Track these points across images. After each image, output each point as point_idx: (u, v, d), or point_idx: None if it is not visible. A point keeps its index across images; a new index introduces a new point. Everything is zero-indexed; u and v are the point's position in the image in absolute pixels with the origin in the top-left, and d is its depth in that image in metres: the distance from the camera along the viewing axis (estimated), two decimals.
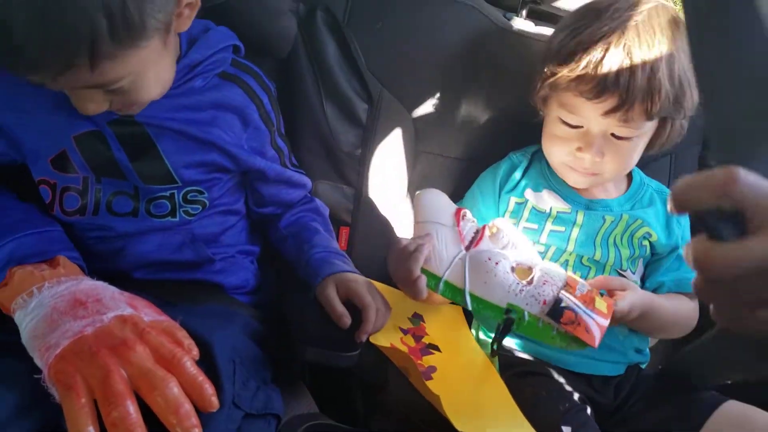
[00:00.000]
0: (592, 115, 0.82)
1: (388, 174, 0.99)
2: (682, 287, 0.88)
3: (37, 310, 0.54)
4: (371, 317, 0.69)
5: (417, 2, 0.96)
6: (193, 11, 0.64)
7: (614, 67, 0.78)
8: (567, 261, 0.90)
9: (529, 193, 0.93)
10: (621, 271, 0.89)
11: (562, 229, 0.90)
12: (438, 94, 1.00)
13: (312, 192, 0.93)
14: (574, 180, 0.89)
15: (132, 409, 0.48)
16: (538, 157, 0.96)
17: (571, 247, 0.89)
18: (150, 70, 0.61)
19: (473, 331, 0.92)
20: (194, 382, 0.52)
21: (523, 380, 0.83)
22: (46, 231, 0.66)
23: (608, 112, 0.80)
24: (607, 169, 0.86)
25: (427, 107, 1.00)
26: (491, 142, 1.04)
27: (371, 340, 0.72)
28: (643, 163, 0.97)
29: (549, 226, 0.91)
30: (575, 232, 0.90)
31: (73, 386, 0.49)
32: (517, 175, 0.95)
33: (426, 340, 0.80)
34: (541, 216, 0.91)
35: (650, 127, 0.85)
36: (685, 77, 0.80)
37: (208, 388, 0.53)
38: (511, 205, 0.93)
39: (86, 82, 0.56)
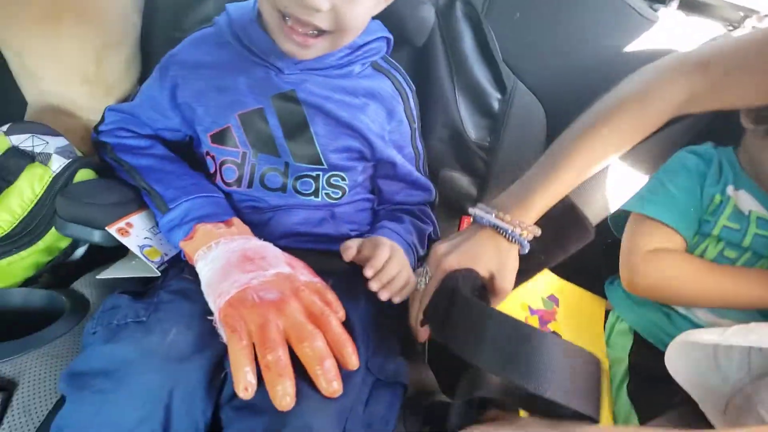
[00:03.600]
0: None
1: (515, 166, 0.99)
2: None
3: (213, 261, 0.62)
4: (380, 257, 0.67)
5: None
6: None
7: None
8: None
9: (731, 190, 0.84)
10: None
11: (763, 233, 0.82)
12: (575, 89, 0.98)
13: (438, 179, 0.95)
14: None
15: (283, 355, 0.53)
16: (723, 153, 0.88)
17: None
18: None
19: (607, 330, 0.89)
20: (339, 340, 0.57)
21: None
22: (213, 196, 0.74)
23: None
24: None
25: (563, 102, 0.99)
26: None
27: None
28: None
29: (753, 228, 0.83)
30: None
31: (237, 330, 0.55)
32: (715, 168, 0.86)
33: (551, 326, 0.80)
34: (742, 217, 0.83)
35: None
36: None
37: (350, 347, 0.57)
38: (715, 202, 0.85)
39: None
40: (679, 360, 0.70)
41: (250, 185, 0.77)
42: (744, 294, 0.78)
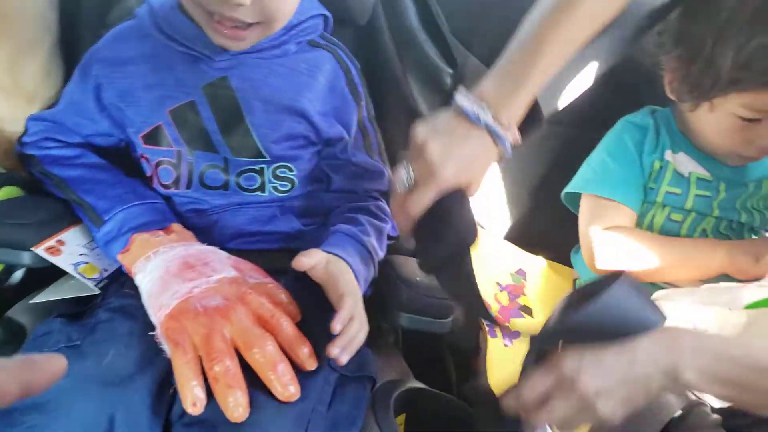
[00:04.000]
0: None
1: None
2: None
3: (152, 272, 0.59)
4: (345, 313, 0.59)
5: None
6: None
7: None
8: (705, 229, 0.85)
9: (669, 155, 0.86)
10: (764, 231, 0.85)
11: (708, 193, 0.84)
12: None
13: (396, 163, 0.91)
14: (736, 162, 0.84)
15: (231, 364, 0.51)
16: (661, 118, 0.89)
17: (715, 213, 0.84)
18: None
19: None
20: (292, 341, 0.54)
21: None
22: (151, 203, 0.70)
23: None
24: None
25: None
26: (589, 107, 0.98)
27: None
28: None
29: (693, 190, 0.85)
30: (720, 196, 0.84)
31: (180, 343, 0.52)
32: (651, 135, 0.87)
33: (521, 300, 0.78)
34: (682, 180, 0.85)
35: None
36: None
37: (305, 348, 0.55)
38: (655, 169, 0.86)
39: None
40: None
41: (189, 186, 0.73)
42: (695, 263, 0.80)
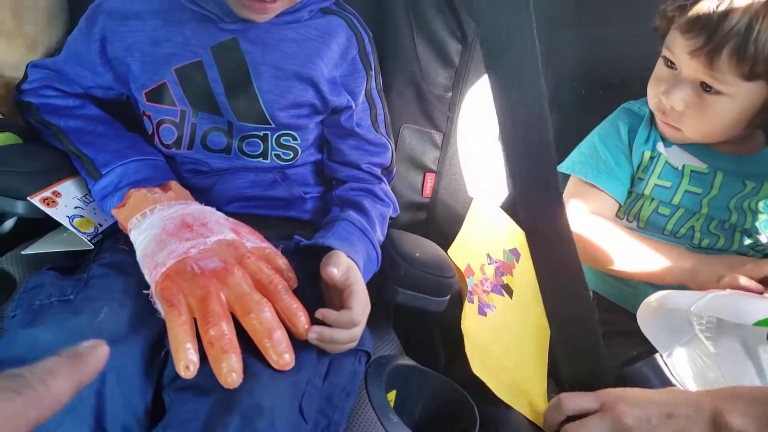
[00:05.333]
0: (682, 52, 0.76)
1: (478, 119, 0.95)
2: None
3: (148, 230, 0.57)
4: (346, 318, 0.58)
5: None
6: None
7: (711, 5, 0.72)
8: (693, 227, 0.84)
9: (660, 146, 0.86)
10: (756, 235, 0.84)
11: (699, 190, 0.84)
12: (537, 37, 0.94)
13: (398, 137, 0.90)
14: (662, 130, 0.84)
15: (227, 328, 0.50)
16: None
17: (704, 210, 0.84)
18: None
19: None
20: (289, 309, 0.53)
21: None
22: (150, 159, 0.68)
23: (694, 51, 0.74)
24: (688, 126, 0.80)
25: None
26: (590, 92, 0.97)
27: (450, 253, 0.70)
28: None
29: (684, 185, 0.84)
30: (713, 193, 0.84)
31: (176, 304, 0.51)
32: (645, 125, 0.87)
33: (506, 279, 0.78)
34: (675, 173, 0.85)
35: (747, 91, 0.75)
36: None
37: (302, 317, 0.54)
38: (645, 160, 0.86)
39: None
40: (651, 318, 0.69)
41: (190, 147, 0.71)
42: (659, 268, 0.80)
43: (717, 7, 0.72)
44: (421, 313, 0.73)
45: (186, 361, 0.48)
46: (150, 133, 0.72)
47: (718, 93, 0.76)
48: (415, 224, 0.95)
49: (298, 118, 0.73)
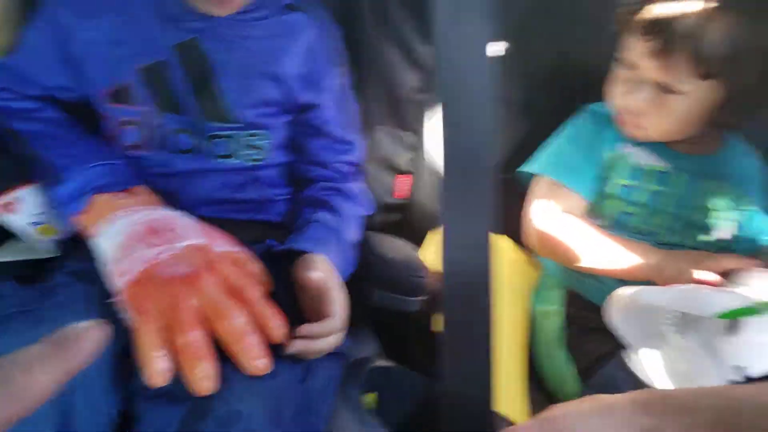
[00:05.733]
0: (640, 54, 0.78)
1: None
2: None
3: (114, 236, 0.55)
4: (326, 327, 0.59)
5: None
6: None
7: (666, 7, 0.75)
8: (659, 224, 0.86)
9: (625, 147, 0.87)
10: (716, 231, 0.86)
11: (662, 189, 0.86)
12: (505, 36, 0.94)
13: (371, 139, 0.89)
14: (625, 129, 0.85)
15: (199, 335, 0.48)
16: None
17: (667, 208, 0.85)
18: None
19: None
20: (263, 313, 0.52)
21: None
22: (114, 163, 0.66)
23: (653, 53, 0.76)
24: (651, 124, 0.82)
25: (494, 50, 0.95)
26: (559, 91, 0.98)
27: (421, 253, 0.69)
28: None
29: (649, 184, 0.86)
30: (678, 191, 0.86)
31: (145, 311, 0.49)
32: (609, 126, 0.89)
33: None
34: (639, 172, 0.86)
35: (704, 90, 0.78)
36: (750, 44, 0.74)
37: (276, 321, 0.53)
38: (610, 160, 0.88)
39: None
40: (620, 314, 0.70)
41: (155, 148, 0.69)
42: (626, 265, 0.81)
43: (672, 10, 0.75)
44: (395, 313, 0.72)
45: (156, 370, 0.46)
46: (112, 135, 0.70)
47: (676, 92, 0.78)
48: (388, 225, 0.95)
49: (265, 117, 0.72)
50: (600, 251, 0.82)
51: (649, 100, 0.80)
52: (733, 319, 0.65)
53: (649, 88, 0.79)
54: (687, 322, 0.69)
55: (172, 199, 0.68)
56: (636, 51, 0.79)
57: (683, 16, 0.74)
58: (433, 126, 0.94)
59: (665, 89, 0.78)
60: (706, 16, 0.73)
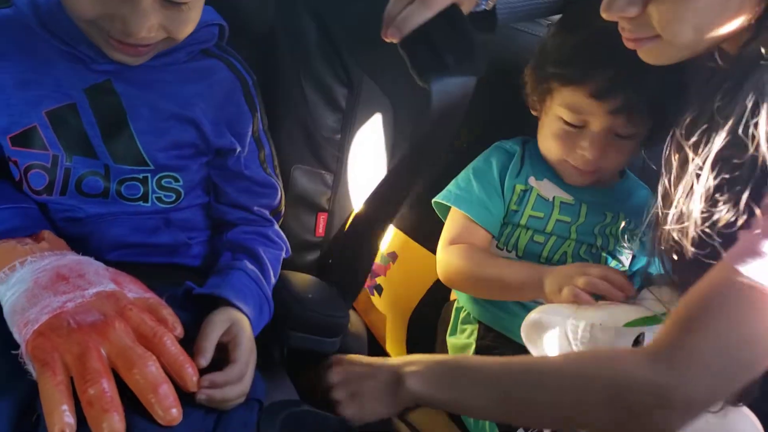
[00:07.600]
0: (596, 113, 0.80)
1: (367, 160, 0.98)
2: None
3: (18, 284, 0.53)
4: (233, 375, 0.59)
5: None
6: None
7: (613, 65, 0.75)
8: (566, 252, 0.92)
9: (532, 181, 0.92)
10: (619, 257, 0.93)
11: (568, 219, 0.92)
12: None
13: (289, 177, 0.91)
14: (573, 179, 0.90)
15: (108, 386, 0.47)
16: (530, 147, 0.96)
17: (573, 236, 0.92)
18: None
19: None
20: (175, 361, 0.51)
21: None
22: (21, 207, 0.64)
23: (615, 111, 0.78)
24: (607, 167, 0.87)
25: (407, 94, 0.99)
26: (474, 132, 1.04)
27: None
28: None
29: (555, 215, 0.91)
30: (579, 221, 0.92)
31: (50, 363, 0.48)
32: (516, 161, 0.94)
33: (379, 280, 0.82)
34: (546, 204, 0.92)
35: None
36: None
37: (189, 368, 0.53)
38: (517, 193, 0.92)
39: None
40: (535, 338, 0.74)
41: (63, 192, 0.67)
42: (516, 285, 0.85)
43: (623, 66, 0.73)
44: (313, 354, 0.73)
45: (62, 425, 0.45)
46: (17, 179, 0.67)
47: (630, 137, 0.82)
48: (308, 264, 0.96)
49: (179, 159, 0.71)
50: (494, 275, 0.86)
51: (603, 149, 0.82)
52: (639, 326, 0.69)
53: (602, 138, 0.82)
54: (595, 339, 0.72)
55: (82, 244, 0.66)
56: (588, 110, 0.80)
57: (645, 70, 0.68)
58: (351, 165, 0.96)
59: (620, 136, 0.82)
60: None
